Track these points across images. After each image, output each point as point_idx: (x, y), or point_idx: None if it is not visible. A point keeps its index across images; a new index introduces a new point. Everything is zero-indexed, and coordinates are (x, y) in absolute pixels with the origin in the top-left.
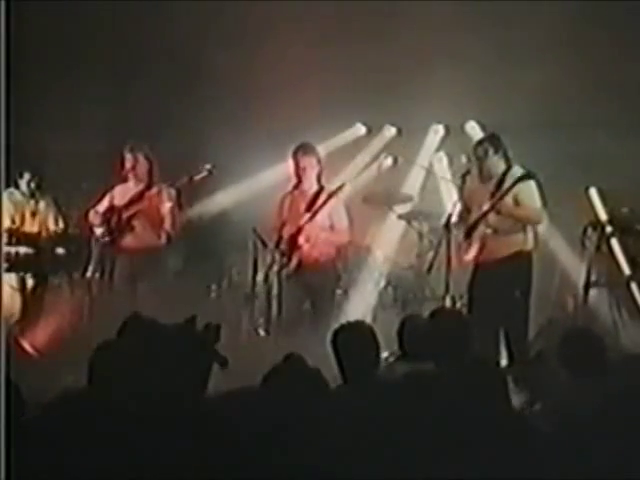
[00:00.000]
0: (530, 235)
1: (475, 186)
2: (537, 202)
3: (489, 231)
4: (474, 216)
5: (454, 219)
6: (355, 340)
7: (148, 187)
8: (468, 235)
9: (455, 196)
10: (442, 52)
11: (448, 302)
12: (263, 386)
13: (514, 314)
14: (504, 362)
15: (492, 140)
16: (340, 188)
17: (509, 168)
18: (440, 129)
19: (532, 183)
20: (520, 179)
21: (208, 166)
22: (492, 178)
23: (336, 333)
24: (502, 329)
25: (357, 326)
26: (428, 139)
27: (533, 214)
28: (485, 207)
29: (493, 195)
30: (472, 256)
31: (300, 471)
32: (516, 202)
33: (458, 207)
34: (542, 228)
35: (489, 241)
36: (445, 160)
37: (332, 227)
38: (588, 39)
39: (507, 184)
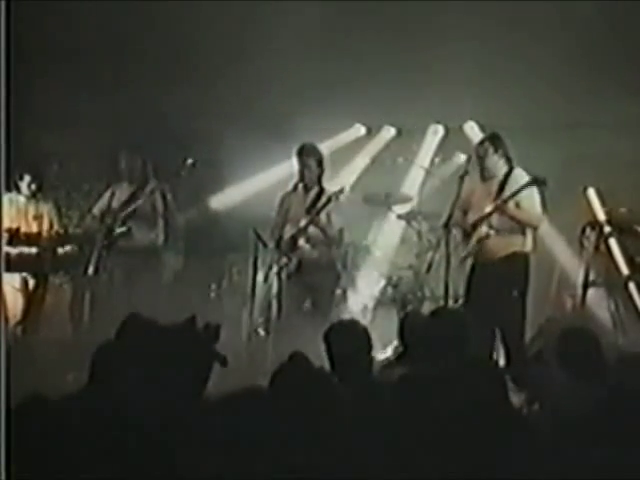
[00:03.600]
0: (529, 237)
1: (475, 186)
2: (537, 206)
3: (492, 232)
4: (473, 216)
5: (453, 220)
6: (347, 338)
7: (141, 186)
8: (467, 235)
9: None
10: (441, 52)
11: (448, 302)
12: (270, 386)
13: (511, 314)
14: (501, 361)
15: (493, 139)
16: (340, 191)
17: (511, 169)
18: (439, 129)
19: (534, 189)
20: (528, 185)
21: (190, 160)
22: (493, 178)
23: (328, 331)
24: (499, 329)
25: (350, 325)
26: (427, 139)
27: (534, 217)
28: (488, 208)
29: (497, 196)
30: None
31: (298, 471)
32: (517, 204)
33: (456, 207)
34: (541, 229)
35: (488, 241)
36: (444, 160)
37: (330, 228)
38: (588, 40)
39: (510, 187)
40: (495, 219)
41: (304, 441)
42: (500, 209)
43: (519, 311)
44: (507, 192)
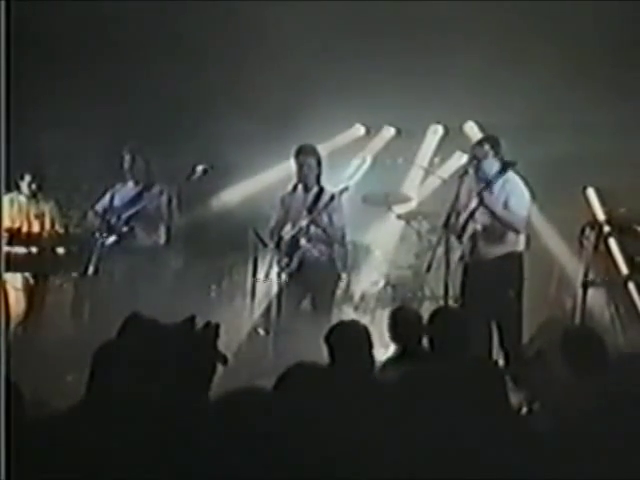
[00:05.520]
0: (522, 237)
1: (473, 185)
2: (525, 209)
3: (478, 227)
4: (465, 216)
5: (452, 219)
6: (348, 339)
7: (147, 187)
8: (459, 236)
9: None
10: (441, 53)
11: (448, 302)
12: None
13: (508, 314)
14: (500, 361)
15: (494, 143)
16: (344, 190)
17: (503, 171)
18: (439, 129)
19: (525, 192)
20: (501, 171)
21: (204, 165)
22: (486, 179)
23: (329, 332)
24: (496, 329)
25: (350, 325)
26: (427, 139)
27: (516, 221)
28: (472, 204)
29: (481, 192)
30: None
31: (294, 471)
32: (505, 206)
33: (454, 207)
34: (541, 228)
35: (482, 241)
36: (444, 160)
37: (331, 228)
38: (586, 40)
39: (499, 186)
40: (480, 215)
41: (304, 441)
42: (484, 205)
43: (516, 311)
44: (495, 190)
